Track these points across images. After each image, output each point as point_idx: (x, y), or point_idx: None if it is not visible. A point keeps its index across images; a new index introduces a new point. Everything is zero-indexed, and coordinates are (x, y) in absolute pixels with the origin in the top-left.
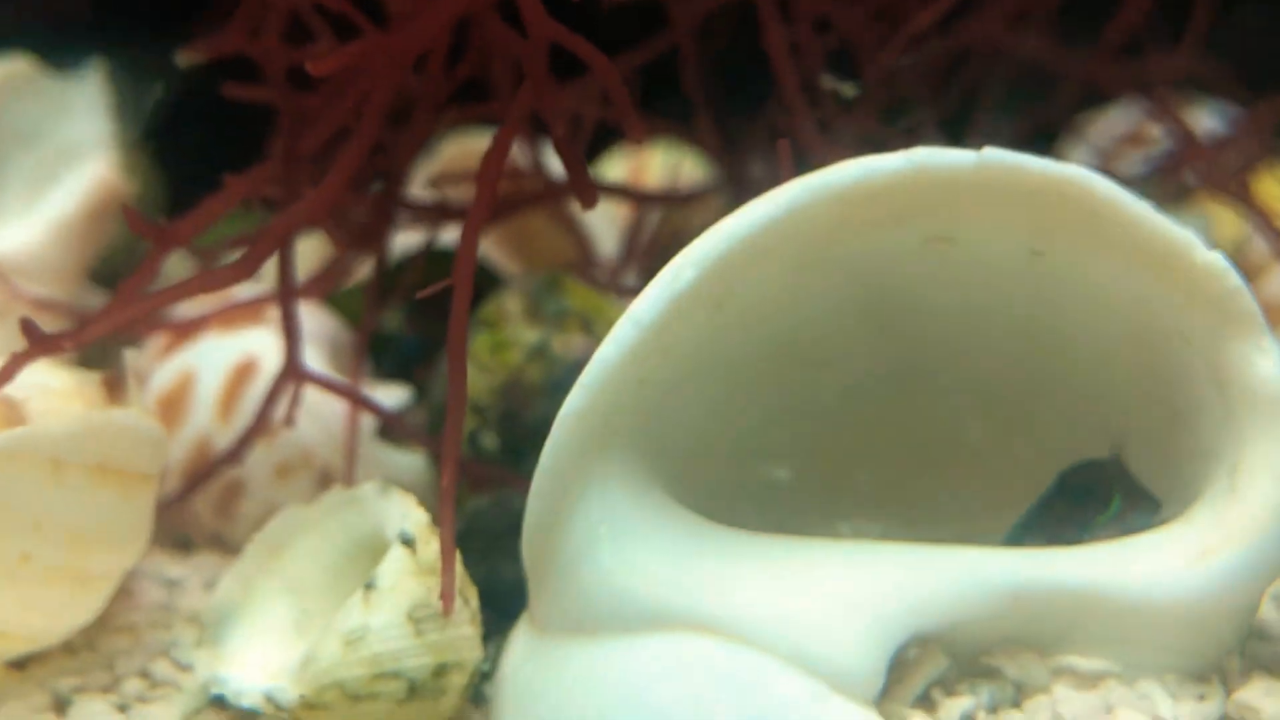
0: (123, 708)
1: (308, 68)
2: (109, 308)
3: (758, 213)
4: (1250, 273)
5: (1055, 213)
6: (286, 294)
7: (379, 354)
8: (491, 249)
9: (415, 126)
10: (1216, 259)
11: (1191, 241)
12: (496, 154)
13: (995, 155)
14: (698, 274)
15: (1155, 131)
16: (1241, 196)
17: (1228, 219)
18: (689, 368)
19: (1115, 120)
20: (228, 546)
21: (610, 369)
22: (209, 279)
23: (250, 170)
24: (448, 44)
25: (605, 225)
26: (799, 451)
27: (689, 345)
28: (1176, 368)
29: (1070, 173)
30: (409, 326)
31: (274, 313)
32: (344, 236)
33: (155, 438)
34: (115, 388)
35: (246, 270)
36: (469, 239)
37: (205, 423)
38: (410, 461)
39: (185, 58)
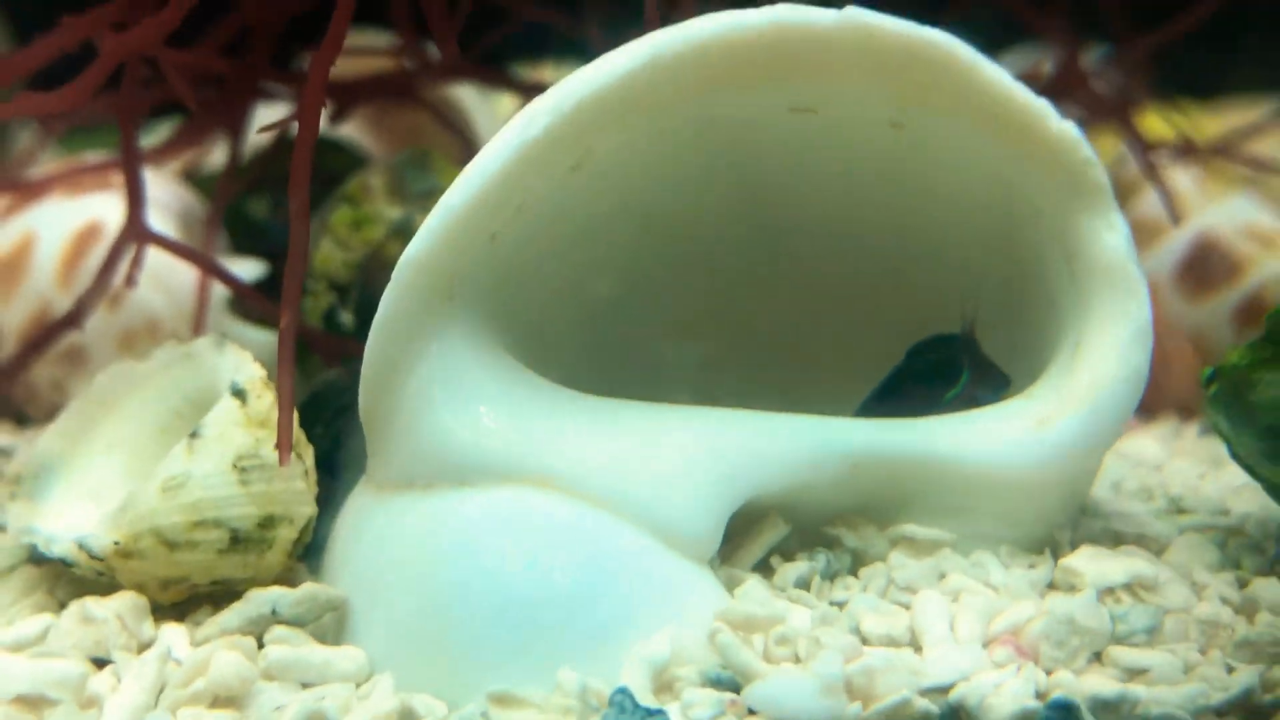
0: None
1: None
2: None
3: (616, 62)
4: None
5: (916, 76)
6: (128, 147)
7: (240, 239)
8: (376, 146)
9: None
10: (1070, 129)
11: (1047, 110)
12: (341, 12)
13: (857, 13)
14: (552, 121)
15: (1048, 69)
16: (1121, 120)
17: (1104, 144)
18: (545, 230)
19: (1014, 60)
20: None
21: (455, 215)
22: (36, 101)
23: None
24: None
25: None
26: (658, 324)
27: (545, 205)
28: (1030, 243)
29: (931, 35)
30: (275, 215)
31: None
32: (192, 91)
33: None
34: None
35: (77, 95)
36: (312, 94)
37: (45, 288)
38: (263, 338)
39: None
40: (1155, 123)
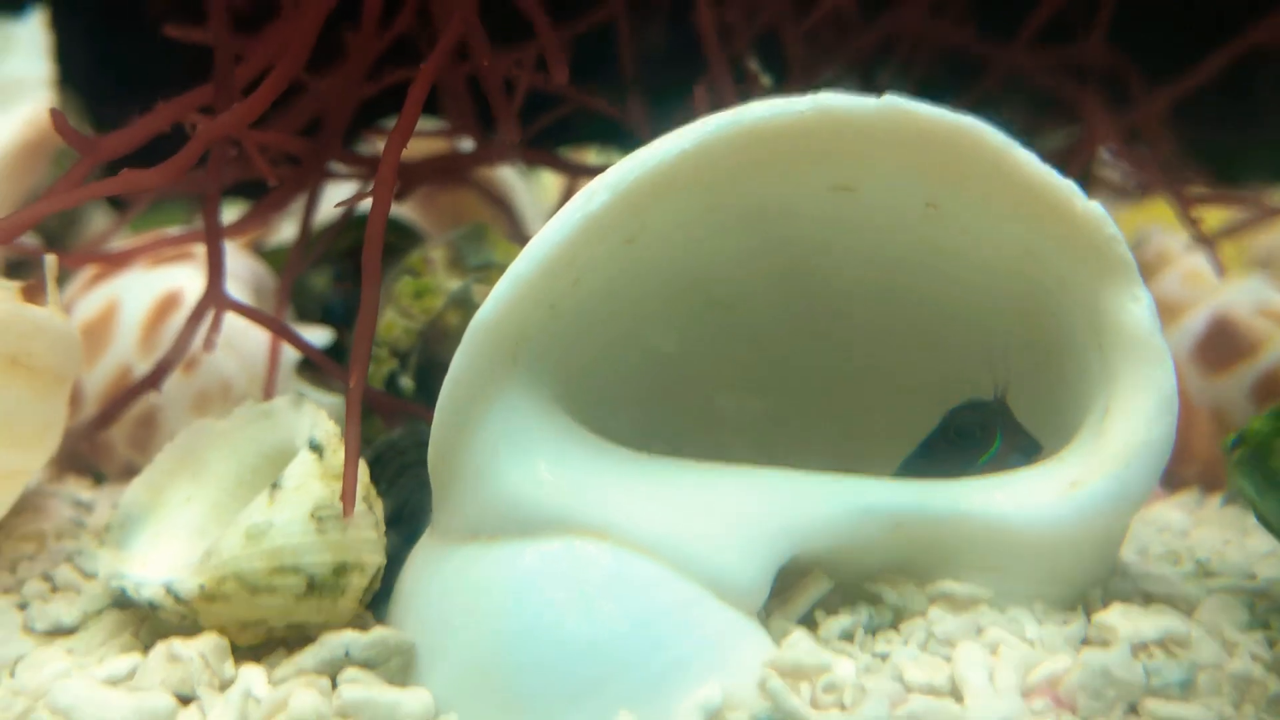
0: (22, 606)
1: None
2: (41, 197)
3: (670, 144)
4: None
5: (949, 159)
6: (210, 221)
7: (305, 312)
8: (424, 221)
9: (349, 74)
10: (1096, 207)
11: (1073, 190)
12: (413, 103)
13: (895, 101)
14: (610, 198)
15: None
16: (1168, 189)
17: (1123, 221)
18: (600, 301)
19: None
20: None
21: (522, 283)
22: (133, 178)
23: (180, 96)
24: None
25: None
26: (715, 382)
27: (600, 277)
28: (1058, 314)
29: (964, 121)
30: (335, 289)
31: (202, 252)
32: (272, 168)
33: (69, 338)
34: (34, 294)
35: (172, 173)
36: (385, 174)
37: (126, 353)
38: (329, 401)
39: None
40: (1165, 210)
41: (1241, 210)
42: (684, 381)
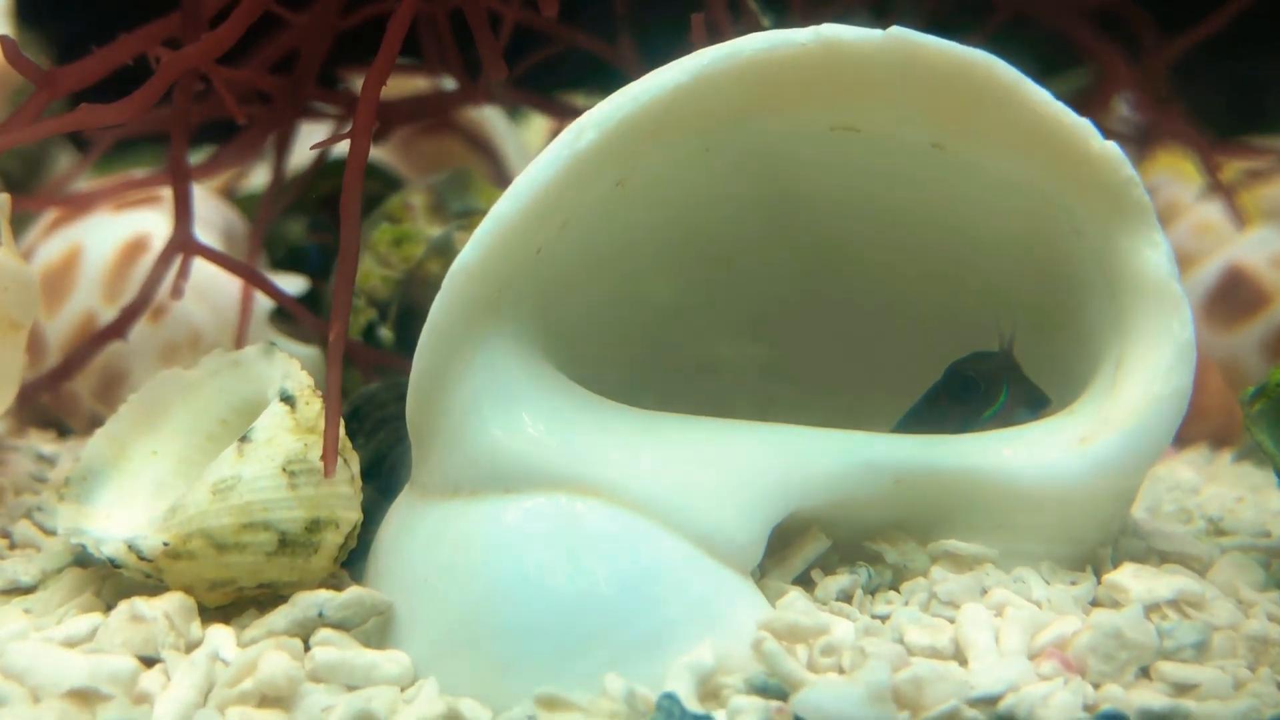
0: None
1: None
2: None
3: (664, 78)
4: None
5: (957, 96)
6: (177, 160)
7: (279, 261)
8: (406, 169)
9: (325, 6)
10: (1112, 148)
11: (1089, 130)
12: (392, 37)
13: (901, 32)
14: (600, 136)
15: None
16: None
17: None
18: (589, 248)
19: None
20: None
21: (506, 226)
22: (92, 114)
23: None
24: None
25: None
26: (713, 330)
27: (590, 222)
28: (1069, 263)
29: (974, 54)
30: (311, 236)
31: (170, 195)
32: (242, 107)
33: (24, 282)
34: None
35: (134, 108)
36: (363, 114)
37: (90, 300)
38: (304, 352)
39: None
40: (1172, 161)
41: (1260, 160)
42: (679, 333)
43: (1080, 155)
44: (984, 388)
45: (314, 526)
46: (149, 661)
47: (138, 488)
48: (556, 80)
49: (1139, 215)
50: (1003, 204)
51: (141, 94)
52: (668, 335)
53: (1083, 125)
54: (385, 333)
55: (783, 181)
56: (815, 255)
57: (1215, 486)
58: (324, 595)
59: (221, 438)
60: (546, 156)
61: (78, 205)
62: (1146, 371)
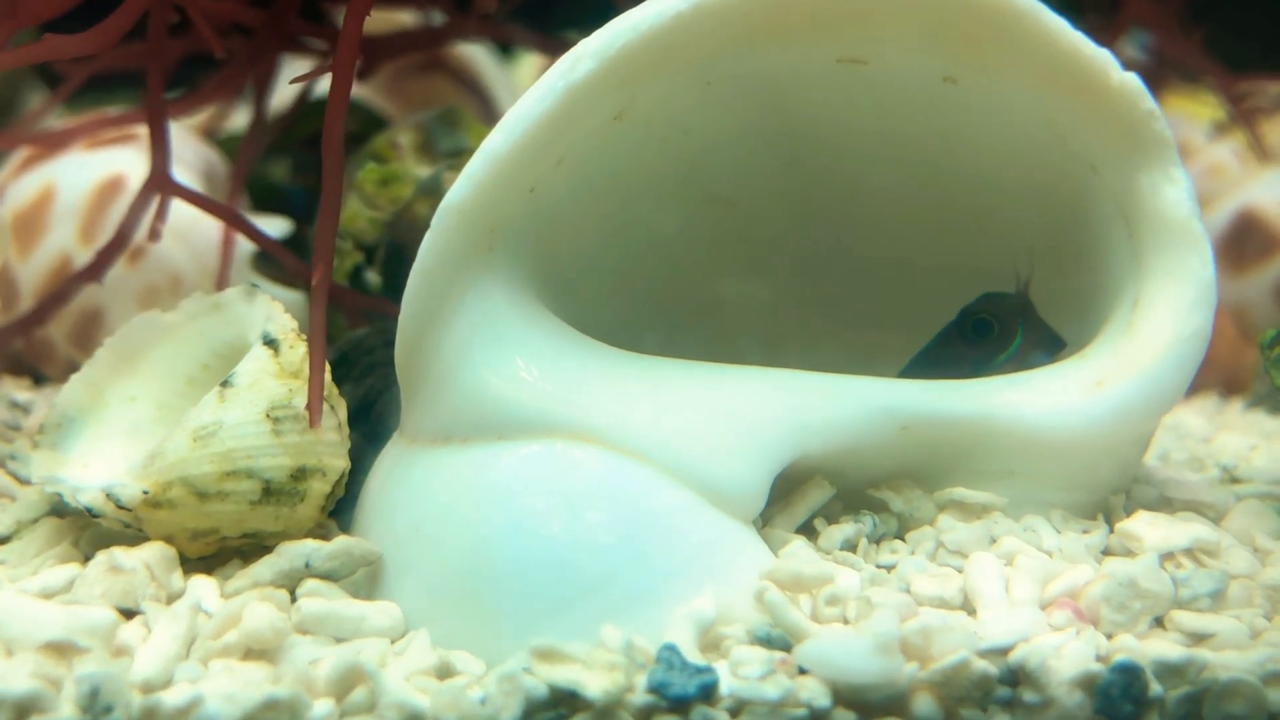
0: None
1: None
2: None
3: (663, 5)
4: None
5: (971, 25)
6: (153, 96)
7: (260, 202)
8: (394, 110)
9: None
10: (1132, 79)
11: (1108, 61)
12: None
13: None
14: (596, 66)
15: None
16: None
17: None
18: (586, 186)
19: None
20: None
21: (498, 161)
22: (58, 45)
23: None
24: None
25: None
26: (716, 268)
27: (587, 159)
28: (1085, 199)
29: None
30: (295, 178)
31: (146, 133)
32: (219, 41)
33: None
34: None
35: (103, 38)
36: (345, 48)
37: (65, 241)
38: (288, 296)
39: None
40: (1183, 102)
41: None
42: (680, 274)
43: (1098, 88)
44: (998, 330)
45: (299, 474)
46: (128, 613)
47: (116, 434)
48: (549, 19)
49: (1159, 150)
50: (1017, 139)
51: (111, 22)
52: (669, 276)
53: (1102, 56)
54: (372, 276)
55: (788, 118)
56: (823, 195)
57: (1227, 434)
58: (311, 545)
59: (202, 382)
60: (540, 88)
61: (50, 143)
62: (1166, 311)
